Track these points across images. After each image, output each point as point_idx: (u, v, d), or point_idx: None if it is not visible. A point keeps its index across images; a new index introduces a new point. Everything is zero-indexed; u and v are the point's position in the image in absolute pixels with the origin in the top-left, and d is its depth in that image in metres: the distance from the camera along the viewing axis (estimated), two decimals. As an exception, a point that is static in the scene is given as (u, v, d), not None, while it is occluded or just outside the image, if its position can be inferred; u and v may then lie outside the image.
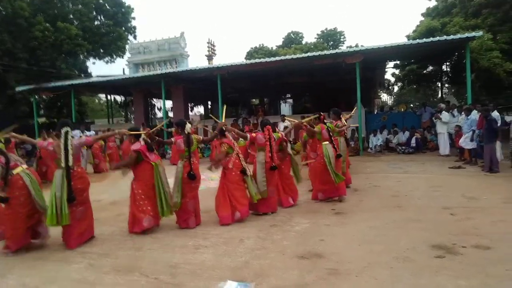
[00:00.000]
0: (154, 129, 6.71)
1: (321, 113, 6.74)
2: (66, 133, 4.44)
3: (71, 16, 24.72)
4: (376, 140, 13.61)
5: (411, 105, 29.13)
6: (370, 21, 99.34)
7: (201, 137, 5.67)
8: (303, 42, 40.90)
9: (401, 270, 3.48)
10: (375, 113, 17.40)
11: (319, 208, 5.97)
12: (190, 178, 5.06)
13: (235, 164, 5.42)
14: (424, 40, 12.27)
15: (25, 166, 4.73)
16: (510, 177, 7.77)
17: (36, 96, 18.85)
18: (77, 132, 11.43)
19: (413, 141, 12.85)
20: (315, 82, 18.28)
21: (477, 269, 3.40)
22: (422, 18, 21.56)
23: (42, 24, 21.32)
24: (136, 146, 5.09)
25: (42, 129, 11.03)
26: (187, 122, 5.34)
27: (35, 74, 20.52)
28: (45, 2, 22.92)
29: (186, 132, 5.20)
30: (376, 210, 5.69)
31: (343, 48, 35.29)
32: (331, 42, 40.54)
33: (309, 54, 14.54)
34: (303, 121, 6.90)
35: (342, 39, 41.82)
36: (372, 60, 14.22)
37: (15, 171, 4.50)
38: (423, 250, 3.94)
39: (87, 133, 13.83)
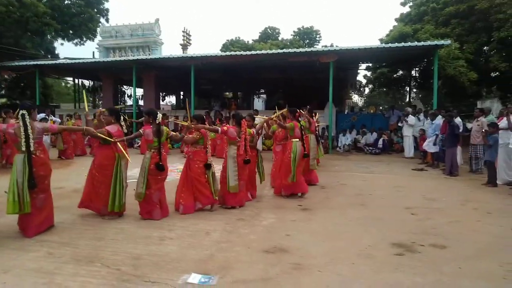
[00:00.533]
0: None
1: (297, 110, 6.77)
2: (23, 115, 4.17)
3: (40, -7, 23.51)
4: (345, 139, 13.92)
5: (380, 108, 29.96)
6: (346, 22, 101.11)
7: (170, 131, 5.56)
8: (280, 38, 41.00)
9: (362, 266, 3.58)
10: (346, 113, 17.75)
11: (286, 204, 6.03)
12: (159, 169, 4.97)
13: (201, 156, 5.46)
14: (396, 44, 12.66)
15: None
16: (469, 181, 8.17)
17: (-3, 75, 17.86)
18: (42, 115, 10.91)
19: (380, 142, 13.24)
20: (289, 79, 18.43)
21: (433, 267, 3.55)
22: (396, 23, 22.14)
23: (6, -1, 20.16)
24: (113, 128, 4.95)
25: (1, 110, 10.43)
26: (158, 113, 5.23)
27: (-3, 51, 19.42)
28: (11, -24, 21.65)
29: (157, 122, 5.09)
30: (341, 208, 5.83)
31: (318, 47, 35.67)
32: (307, 40, 40.87)
33: (284, 50, 14.66)
34: (272, 116, 6.94)
35: (317, 38, 42.26)
36: (346, 60, 14.50)
37: None
38: (384, 248, 4.08)
39: (53, 117, 13.21)
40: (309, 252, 3.92)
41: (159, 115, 5.15)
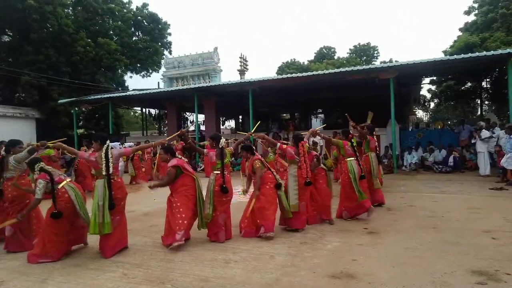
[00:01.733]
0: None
1: (350, 132, 6.60)
2: (108, 146, 4.66)
3: (111, 32, 25.97)
4: (411, 158, 13.22)
5: (449, 122, 28.16)
6: (405, 36, 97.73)
7: (232, 149, 5.71)
8: (335, 57, 40.80)
9: (439, 295, 3.32)
10: (410, 130, 16.93)
11: (351, 227, 5.83)
12: (223, 192, 5.10)
13: (268, 178, 5.45)
14: (463, 56, 11.92)
15: (68, 179, 4.95)
16: (558, 201, 7.29)
17: (76, 108, 19.79)
18: (116, 144, 11.87)
19: (450, 159, 12.38)
20: (347, 98, 18.10)
21: (523, 299, 3.19)
22: (460, 33, 21.01)
23: (84, 40, 22.52)
24: (173, 162, 5.09)
25: (83, 141, 11.73)
26: (222, 137, 5.42)
27: (76, 87, 21.58)
28: (88, 19, 24.23)
29: (220, 146, 5.27)
30: (411, 231, 5.49)
31: (377, 63, 34.81)
32: (364, 57, 40.20)
33: (341, 69, 14.47)
34: (316, 129, 6.54)
35: (375, 54, 41.40)
36: (407, 75, 13.96)
37: (60, 185, 4.73)
38: (461, 275, 3.75)
39: (126, 144, 14.32)
40: (378, 279, 3.73)
41: (223, 140, 5.33)
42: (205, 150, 5.57)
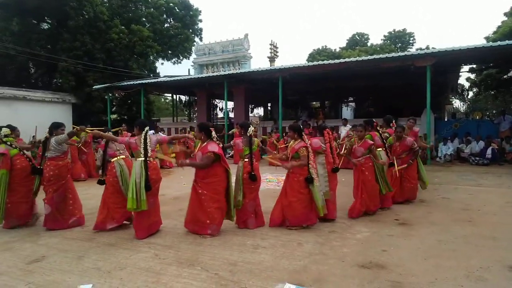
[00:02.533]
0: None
1: (374, 120, 6.46)
2: (147, 130, 4.88)
3: (144, 19, 26.36)
4: (446, 149, 12.75)
5: (488, 113, 26.88)
6: (443, 22, 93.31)
7: (260, 143, 5.69)
8: (369, 44, 39.65)
9: (474, 290, 3.21)
10: (446, 120, 16.28)
11: (381, 218, 5.71)
12: (251, 179, 5.10)
13: (300, 169, 5.01)
14: (507, 42, 11.22)
15: (122, 156, 5.37)
16: None
17: (110, 94, 20.36)
18: (151, 132, 12.18)
19: (488, 151, 11.83)
20: (380, 86, 17.58)
21: None
22: (505, 18, 19.80)
23: (118, 27, 23.00)
24: (214, 148, 4.82)
25: (120, 126, 12.13)
26: (250, 125, 5.38)
27: (110, 73, 22.17)
28: (122, 6, 24.68)
29: (248, 134, 5.25)
30: (444, 224, 5.31)
31: (412, 50, 33.54)
32: (399, 44, 38.84)
33: (375, 56, 14.02)
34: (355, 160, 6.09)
35: (411, 41, 39.89)
36: (445, 63, 13.33)
37: (113, 159, 5.27)
38: (498, 270, 3.60)
39: (160, 133, 14.56)
40: (409, 270, 3.65)
41: (251, 128, 5.28)
42: (232, 142, 5.51)
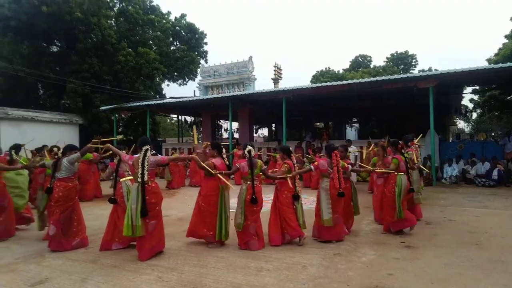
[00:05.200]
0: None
1: (399, 141, 6.43)
2: (146, 150, 4.80)
3: (151, 42, 26.94)
4: (452, 170, 12.68)
5: (492, 134, 26.78)
6: (445, 44, 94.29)
7: (264, 166, 5.73)
8: (371, 66, 40.05)
9: (482, 316, 3.15)
10: (450, 141, 16.25)
11: (387, 240, 5.65)
12: (252, 202, 5.12)
13: (288, 187, 5.44)
14: (509, 64, 11.33)
15: (130, 177, 5.40)
16: None
17: (117, 115, 20.61)
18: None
19: (495, 173, 11.75)
20: (383, 107, 17.71)
21: None
22: (506, 41, 20.01)
23: (125, 50, 23.51)
24: (217, 161, 5.36)
25: (125, 145, 12.23)
26: (248, 145, 5.42)
27: (116, 94, 22.51)
28: (129, 29, 25.28)
29: (247, 155, 5.28)
30: (451, 246, 5.25)
31: (415, 72, 33.86)
32: (402, 66, 39.18)
33: (377, 78, 14.17)
34: (377, 170, 6.42)
35: (413, 63, 40.27)
36: (448, 85, 13.46)
37: (122, 180, 5.37)
38: (508, 297, 3.54)
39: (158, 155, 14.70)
40: (416, 295, 3.59)
41: (248, 148, 5.32)
42: (237, 164, 5.54)
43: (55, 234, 5.23)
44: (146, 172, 4.72)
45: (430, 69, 35.28)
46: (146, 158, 4.77)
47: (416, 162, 6.72)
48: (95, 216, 7.47)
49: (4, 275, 4.36)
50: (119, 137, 24.32)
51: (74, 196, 5.43)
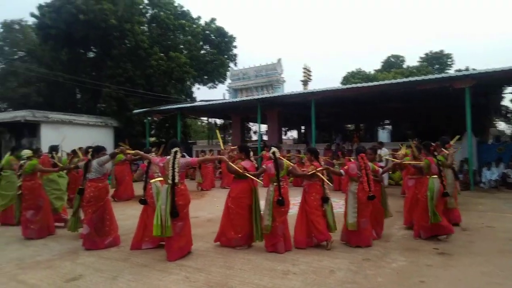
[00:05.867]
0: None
1: (432, 143, 6.21)
2: (176, 152, 4.89)
3: (181, 46, 27.51)
4: (491, 174, 12.07)
5: (536, 136, 25.23)
6: (484, 42, 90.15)
7: (291, 165, 5.67)
8: (404, 66, 38.98)
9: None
10: (490, 143, 15.48)
11: (419, 246, 5.45)
12: (279, 204, 5.08)
13: (316, 189, 5.39)
14: (554, 61, 10.66)
15: (160, 178, 5.51)
16: None
17: (149, 118, 21.18)
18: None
19: (537, 177, 11.07)
20: (417, 108, 17.17)
21: None
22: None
23: (157, 54, 24.14)
24: (247, 164, 5.36)
25: (154, 147, 12.54)
26: (272, 147, 5.42)
27: (149, 98, 23.14)
28: (161, 34, 25.95)
29: (272, 156, 5.27)
30: (488, 254, 4.98)
31: (451, 71, 32.59)
32: (437, 66, 37.85)
33: (410, 78, 13.78)
34: (405, 162, 6.42)
35: (449, 62, 38.79)
36: (486, 84, 12.86)
37: (152, 181, 5.50)
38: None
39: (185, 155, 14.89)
40: (450, 304, 3.44)
41: (272, 149, 5.33)
42: (264, 165, 5.56)
43: (88, 233, 5.43)
44: (176, 174, 4.82)
45: (467, 69, 33.91)
46: (176, 160, 4.86)
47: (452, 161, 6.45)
48: (127, 216, 7.68)
49: (43, 271, 4.58)
50: (152, 139, 25.02)
51: (104, 196, 5.63)
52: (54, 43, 22.22)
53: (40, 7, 21.31)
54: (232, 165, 5.22)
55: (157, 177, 5.56)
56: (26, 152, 6.71)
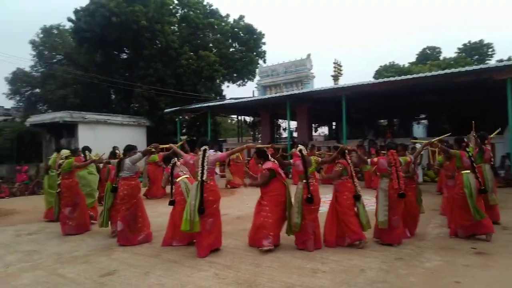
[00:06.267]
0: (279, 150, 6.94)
1: (464, 139, 5.97)
2: (205, 150, 5.02)
3: (211, 45, 27.78)
4: (534, 169, 11.38)
5: None
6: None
7: (319, 159, 5.60)
8: (441, 58, 37.43)
9: None
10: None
11: (455, 245, 5.22)
12: (307, 201, 5.01)
13: (347, 187, 5.30)
14: None
15: (186, 175, 5.70)
16: None
17: (180, 117, 21.59)
18: (211, 151, 12.65)
19: None
20: (454, 101, 16.42)
21: None
22: None
23: (187, 54, 24.51)
24: (268, 164, 5.27)
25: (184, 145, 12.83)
26: (299, 144, 5.38)
27: (180, 97, 23.58)
28: (191, 34, 26.32)
29: (299, 154, 5.21)
30: (532, 255, 4.71)
31: (492, 62, 30.96)
32: (476, 57, 36.04)
33: (446, 71, 13.19)
34: (433, 140, 6.27)
35: (490, 53, 36.80)
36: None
37: (178, 179, 5.61)
38: None
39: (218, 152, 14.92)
40: (488, 307, 3.27)
41: (299, 147, 5.29)
42: (291, 160, 5.51)
43: (122, 229, 5.61)
44: (205, 171, 4.91)
45: (509, 59, 32.12)
46: (205, 157, 4.97)
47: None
48: (158, 213, 7.86)
49: (80, 266, 4.78)
50: (183, 137, 25.50)
51: (137, 194, 5.80)
52: (89, 46, 23.08)
53: (76, 12, 22.20)
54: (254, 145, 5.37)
55: (183, 175, 5.69)
56: (65, 152, 7.06)
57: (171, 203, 5.61)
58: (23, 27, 64.46)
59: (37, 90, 28.12)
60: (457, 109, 18.22)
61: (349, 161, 5.49)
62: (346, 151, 5.54)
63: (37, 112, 25.01)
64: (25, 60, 47.11)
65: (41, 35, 27.76)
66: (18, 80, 27.88)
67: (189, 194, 5.22)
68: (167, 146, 6.15)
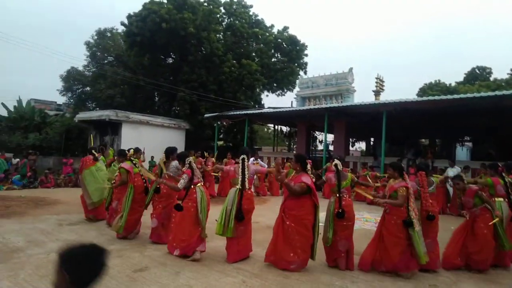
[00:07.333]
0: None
1: (499, 164, 5.69)
2: (243, 159, 5.11)
3: (253, 54, 28.17)
4: None
5: None
6: None
7: (356, 178, 5.46)
8: (491, 78, 35.66)
9: None
10: None
11: (496, 278, 4.92)
12: (338, 216, 4.84)
13: (398, 210, 4.72)
14: None
15: (202, 182, 5.65)
16: None
17: (218, 122, 21.98)
18: (251, 160, 12.80)
19: None
20: (503, 125, 15.56)
21: None
22: None
23: (230, 61, 25.00)
24: (308, 179, 4.81)
25: (228, 154, 13.55)
26: (336, 159, 5.22)
27: (220, 103, 24.03)
28: (235, 42, 26.84)
29: (334, 168, 5.12)
30: None
31: (548, 85, 29.09)
32: (531, 79, 33.96)
33: (496, 92, 12.56)
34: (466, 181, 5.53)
35: (546, 75, 34.53)
36: None
37: (196, 186, 5.43)
38: None
39: (260, 162, 14.52)
40: None
41: (335, 161, 5.12)
42: (324, 177, 5.41)
43: (156, 227, 5.81)
44: (246, 180, 5.01)
45: None
46: (245, 166, 5.08)
47: None
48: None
49: (114, 259, 4.96)
50: (220, 143, 25.90)
51: (175, 195, 6.00)
52: (138, 49, 24.14)
53: (129, 17, 23.34)
54: (291, 185, 4.76)
55: (200, 183, 5.45)
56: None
57: (179, 208, 5.13)
58: (81, 29, 68.61)
59: (88, 88, 29.73)
60: (506, 133, 17.24)
61: (408, 182, 4.88)
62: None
63: (85, 109, 26.48)
64: (79, 59, 50.20)
65: (95, 37, 29.39)
66: (71, 78, 29.61)
67: (202, 203, 5.12)
68: (213, 168, 6.24)
